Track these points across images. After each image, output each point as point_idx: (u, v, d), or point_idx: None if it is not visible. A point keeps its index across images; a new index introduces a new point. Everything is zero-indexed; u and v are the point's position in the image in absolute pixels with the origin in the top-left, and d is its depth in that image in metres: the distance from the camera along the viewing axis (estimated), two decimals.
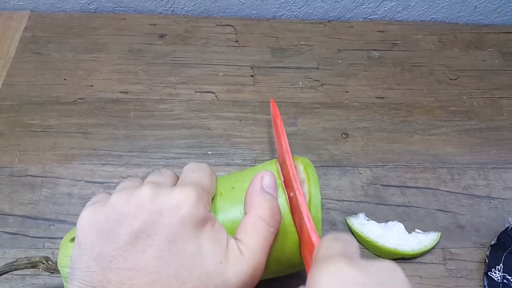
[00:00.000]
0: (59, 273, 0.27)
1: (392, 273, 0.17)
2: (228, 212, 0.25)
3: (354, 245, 0.19)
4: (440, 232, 0.36)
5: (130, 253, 0.20)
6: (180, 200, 0.21)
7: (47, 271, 0.28)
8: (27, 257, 0.28)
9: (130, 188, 0.22)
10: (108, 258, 0.20)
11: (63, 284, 0.33)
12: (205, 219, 0.21)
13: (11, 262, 0.27)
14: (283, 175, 0.27)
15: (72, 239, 0.26)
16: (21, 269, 0.28)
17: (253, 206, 0.23)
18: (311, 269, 0.18)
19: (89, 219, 0.21)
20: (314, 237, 0.21)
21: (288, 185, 0.26)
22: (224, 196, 0.25)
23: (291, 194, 0.25)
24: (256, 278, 0.22)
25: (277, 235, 0.24)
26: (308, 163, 0.28)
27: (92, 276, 0.20)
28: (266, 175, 0.25)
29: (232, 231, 0.23)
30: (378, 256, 0.35)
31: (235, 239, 0.22)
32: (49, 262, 0.28)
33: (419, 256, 0.35)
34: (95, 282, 0.19)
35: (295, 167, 0.27)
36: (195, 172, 0.25)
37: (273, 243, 0.23)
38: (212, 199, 0.25)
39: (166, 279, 0.19)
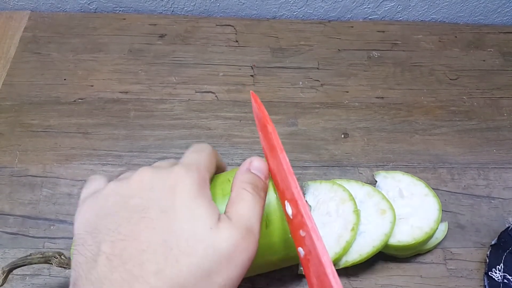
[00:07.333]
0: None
1: None
2: None
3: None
4: (447, 222, 0.36)
5: (124, 226, 0.20)
6: (172, 176, 0.22)
7: (60, 266, 0.28)
8: (40, 252, 0.28)
9: (128, 176, 0.23)
10: (104, 232, 0.20)
11: (64, 283, 0.33)
12: (199, 192, 0.22)
13: (25, 256, 0.28)
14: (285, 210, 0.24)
15: None
16: (35, 263, 0.28)
17: (236, 182, 0.24)
18: None
19: (89, 208, 0.22)
20: None
21: (295, 222, 0.23)
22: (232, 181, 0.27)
23: (302, 234, 0.21)
24: (250, 243, 0.21)
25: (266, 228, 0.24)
26: None
27: (88, 249, 0.20)
28: (255, 159, 0.25)
29: None
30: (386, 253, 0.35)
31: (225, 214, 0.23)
32: (62, 257, 0.28)
33: (420, 255, 0.35)
34: (89, 255, 0.20)
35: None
36: (194, 152, 0.25)
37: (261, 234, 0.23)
38: (212, 179, 0.26)
39: (154, 247, 0.19)
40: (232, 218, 0.22)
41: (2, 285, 0.27)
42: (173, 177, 0.22)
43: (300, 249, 0.22)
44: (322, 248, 0.19)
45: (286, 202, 0.24)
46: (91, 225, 0.21)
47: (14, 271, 0.32)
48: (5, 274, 0.27)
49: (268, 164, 0.26)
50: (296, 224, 0.22)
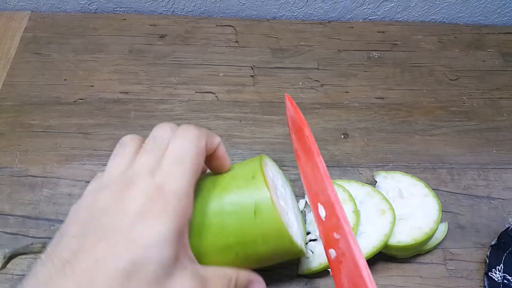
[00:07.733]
0: None
1: None
2: (228, 184, 0.27)
3: None
4: (447, 222, 0.36)
5: (87, 240, 0.20)
6: (155, 206, 0.21)
7: None
8: (41, 242, 0.29)
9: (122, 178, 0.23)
10: (68, 238, 0.20)
11: None
12: (172, 235, 0.21)
13: (27, 245, 0.29)
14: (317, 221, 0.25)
15: None
16: (36, 252, 0.29)
17: None
18: None
19: (77, 205, 0.22)
20: None
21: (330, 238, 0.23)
22: (224, 174, 0.28)
23: (337, 236, 0.22)
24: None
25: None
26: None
27: (55, 246, 0.20)
28: None
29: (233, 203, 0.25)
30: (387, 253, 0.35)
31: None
32: None
33: (420, 256, 0.35)
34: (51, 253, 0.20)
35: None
36: (176, 164, 0.23)
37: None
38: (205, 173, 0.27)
39: (112, 272, 0.19)
40: (198, 275, 0.21)
41: (2, 268, 0.28)
42: (151, 211, 0.21)
43: (332, 251, 0.23)
44: (358, 252, 0.21)
45: (318, 204, 0.25)
46: (66, 225, 0.21)
47: (15, 271, 0.32)
48: (6, 259, 0.28)
49: (301, 166, 0.26)
50: (329, 226, 0.23)
